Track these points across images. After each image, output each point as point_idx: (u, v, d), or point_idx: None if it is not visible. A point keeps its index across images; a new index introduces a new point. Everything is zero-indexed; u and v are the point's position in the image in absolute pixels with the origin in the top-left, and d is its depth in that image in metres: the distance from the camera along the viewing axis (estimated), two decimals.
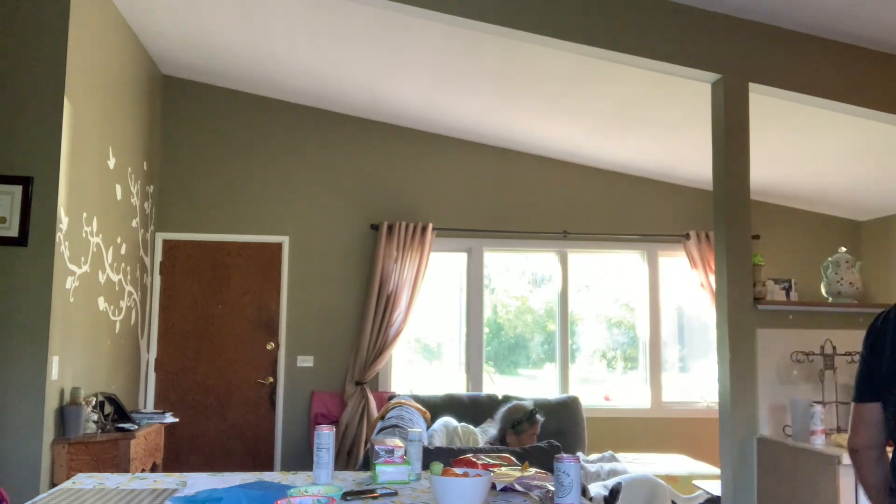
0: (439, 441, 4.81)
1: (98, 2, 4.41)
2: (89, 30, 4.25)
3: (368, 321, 6.05)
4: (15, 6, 3.88)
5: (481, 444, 4.89)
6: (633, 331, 6.84)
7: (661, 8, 3.92)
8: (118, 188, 4.96)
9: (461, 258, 6.56)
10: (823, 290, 4.06)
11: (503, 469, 2.28)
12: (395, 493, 2.03)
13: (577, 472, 1.88)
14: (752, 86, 3.99)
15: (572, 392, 6.42)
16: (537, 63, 4.74)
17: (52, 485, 3.80)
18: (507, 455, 2.59)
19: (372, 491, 1.99)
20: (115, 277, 4.92)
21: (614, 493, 3.96)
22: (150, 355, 5.94)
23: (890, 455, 1.97)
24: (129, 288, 5.27)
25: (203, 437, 5.93)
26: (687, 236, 6.61)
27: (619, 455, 5.83)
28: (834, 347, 3.81)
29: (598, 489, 4.29)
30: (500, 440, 4.49)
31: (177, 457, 5.83)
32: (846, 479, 3.16)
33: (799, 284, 6.69)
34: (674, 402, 6.64)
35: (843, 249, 4.06)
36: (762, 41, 4.00)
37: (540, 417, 4.52)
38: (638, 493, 4.28)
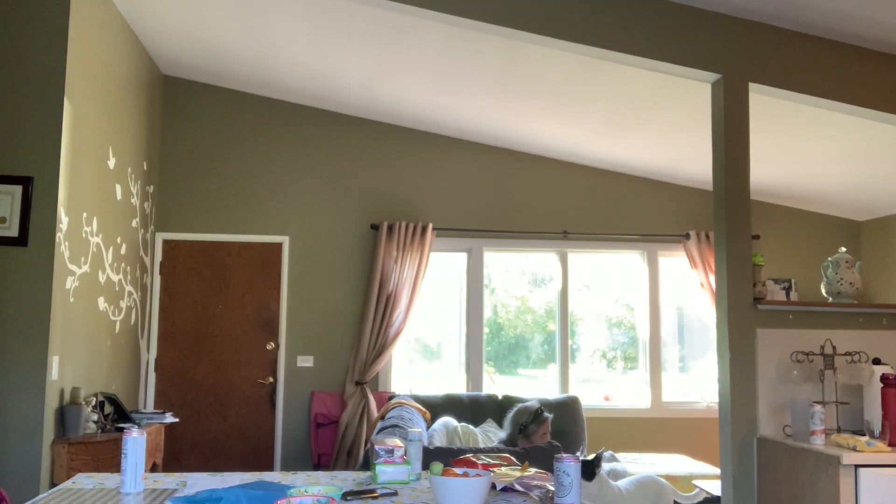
0: (439, 441, 4.81)
1: (98, 2, 4.41)
2: (89, 30, 4.25)
3: (368, 321, 6.05)
4: (15, 6, 3.88)
5: (482, 445, 4.89)
6: (633, 331, 6.84)
7: (661, 8, 3.92)
8: (118, 188, 4.96)
9: (461, 258, 6.57)
10: (823, 290, 4.05)
11: (503, 469, 2.28)
12: (395, 493, 2.03)
13: (577, 472, 1.88)
14: (752, 86, 3.99)
15: (572, 392, 6.42)
16: (537, 63, 4.74)
17: (52, 485, 3.80)
18: (507, 455, 2.59)
19: (372, 491, 1.99)
20: (115, 277, 4.92)
21: (598, 459, 3.97)
22: (150, 355, 5.94)
23: None
24: (129, 288, 5.27)
25: (203, 437, 5.93)
26: (687, 236, 6.62)
27: (619, 455, 5.83)
28: (834, 347, 3.81)
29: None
30: (512, 445, 4.46)
31: (177, 457, 5.84)
32: (846, 479, 3.16)
33: (799, 284, 6.70)
34: (674, 402, 6.65)
35: (843, 249, 4.06)
36: (762, 41, 4.00)
37: (547, 415, 4.50)
38: (644, 494, 4.28)
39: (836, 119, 4.68)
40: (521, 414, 4.43)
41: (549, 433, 4.46)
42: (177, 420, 5.04)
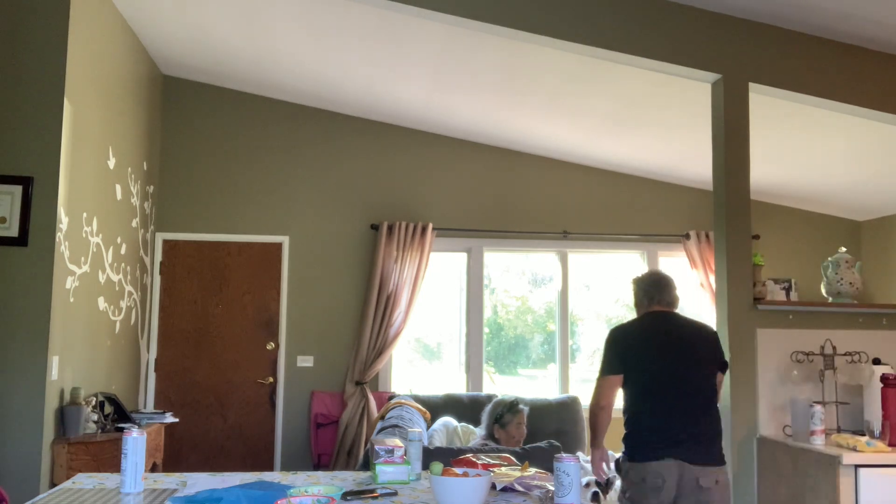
0: (439, 441, 4.81)
1: (98, 2, 4.41)
2: (89, 30, 4.25)
3: (368, 321, 6.05)
4: (15, 6, 3.88)
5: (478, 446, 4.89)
6: None
7: (661, 8, 3.92)
8: (118, 188, 4.96)
9: (461, 258, 6.56)
10: (823, 290, 4.06)
11: (503, 469, 2.28)
12: (395, 493, 2.03)
13: (577, 472, 1.88)
14: (752, 86, 4.00)
15: (572, 392, 6.41)
16: (537, 63, 4.74)
17: (52, 485, 3.79)
18: (507, 455, 2.59)
19: (372, 491, 2.00)
20: (115, 277, 4.92)
21: (609, 483, 3.98)
22: (150, 355, 5.94)
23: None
24: (129, 288, 5.27)
25: (203, 437, 5.93)
26: (687, 236, 6.62)
27: (619, 455, 5.82)
28: (834, 347, 3.81)
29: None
30: (491, 438, 4.50)
31: (177, 457, 5.83)
32: (846, 479, 3.16)
33: (799, 284, 6.69)
34: None
35: (843, 249, 4.07)
36: (762, 41, 4.00)
37: (523, 407, 4.52)
38: None
39: (836, 119, 4.68)
40: (497, 405, 4.48)
41: (524, 424, 4.48)
42: (177, 420, 5.04)
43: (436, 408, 5.62)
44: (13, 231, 3.76)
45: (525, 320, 6.89)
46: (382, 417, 4.72)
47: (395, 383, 6.33)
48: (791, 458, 3.49)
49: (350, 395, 5.98)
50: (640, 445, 3.11)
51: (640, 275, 3.49)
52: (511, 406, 4.44)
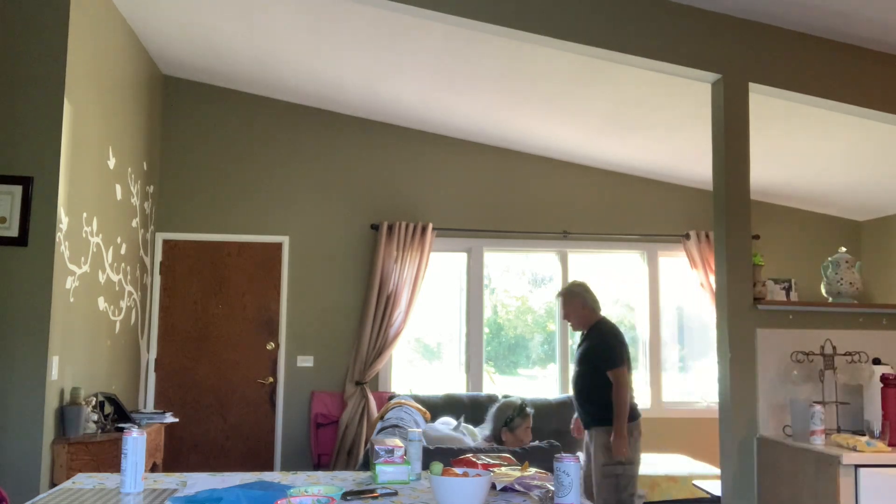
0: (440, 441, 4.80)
1: (98, 2, 4.41)
2: (89, 30, 4.25)
3: (368, 321, 6.05)
4: (15, 6, 3.88)
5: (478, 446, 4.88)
6: (633, 331, 6.83)
7: (661, 8, 3.92)
8: (118, 188, 4.96)
9: (461, 258, 6.56)
10: (823, 290, 4.05)
11: (503, 469, 2.28)
12: (395, 493, 2.03)
13: (577, 472, 1.88)
14: (752, 86, 3.99)
15: (572, 392, 6.41)
16: (537, 63, 4.74)
17: (52, 485, 3.79)
18: (507, 455, 2.59)
19: (372, 491, 2.00)
20: (115, 277, 4.92)
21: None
22: (150, 355, 5.94)
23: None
24: (129, 288, 5.27)
25: (203, 437, 5.93)
26: (687, 236, 6.62)
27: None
28: (834, 347, 3.81)
29: None
30: (496, 440, 4.49)
31: (177, 457, 5.84)
32: (846, 479, 3.16)
33: (799, 284, 6.69)
34: (674, 402, 6.64)
35: (843, 249, 4.06)
36: (762, 41, 4.00)
37: (530, 410, 4.51)
38: None
39: (837, 119, 4.68)
40: (506, 408, 4.46)
41: (530, 428, 4.47)
42: (177, 420, 5.04)
43: (436, 408, 5.62)
44: (13, 231, 3.76)
45: (525, 320, 6.89)
46: (382, 417, 4.72)
47: (395, 383, 6.33)
48: (791, 458, 3.49)
49: (350, 395, 5.98)
50: (634, 409, 4.20)
51: (581, 284, 4.46)
52: (521, 409, 4.43)
